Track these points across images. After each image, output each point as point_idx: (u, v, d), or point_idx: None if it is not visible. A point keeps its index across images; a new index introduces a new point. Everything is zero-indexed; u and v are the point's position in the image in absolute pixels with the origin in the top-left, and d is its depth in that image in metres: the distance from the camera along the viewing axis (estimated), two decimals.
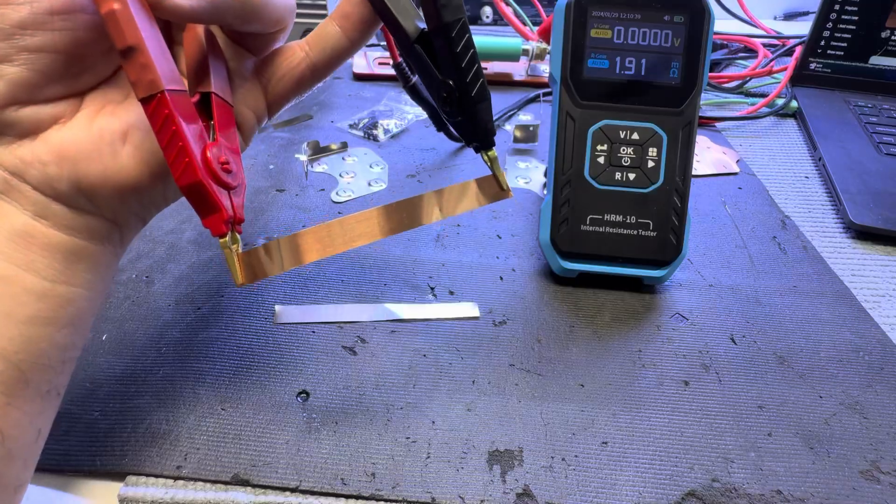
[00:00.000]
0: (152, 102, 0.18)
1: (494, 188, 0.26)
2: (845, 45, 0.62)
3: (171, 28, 0.24)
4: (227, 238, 0.20)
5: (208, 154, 0.19)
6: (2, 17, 0.17)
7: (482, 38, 0.62)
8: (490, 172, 0.26)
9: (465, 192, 0.25)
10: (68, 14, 0.17)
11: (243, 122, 0.24)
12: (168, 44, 0.22)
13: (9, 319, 0.18)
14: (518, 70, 0.65)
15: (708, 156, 0.51)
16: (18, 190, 0.19)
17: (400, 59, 0.44)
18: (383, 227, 0.24)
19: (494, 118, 0.55)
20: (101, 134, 0.19)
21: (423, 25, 0.24)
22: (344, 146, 0.49)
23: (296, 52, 0.24)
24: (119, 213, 0.21)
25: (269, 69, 0.24)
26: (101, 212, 0.21)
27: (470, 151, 0.51)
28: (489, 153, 0.25)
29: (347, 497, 0.25)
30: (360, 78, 0.63)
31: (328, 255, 0.23)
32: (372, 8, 0.24)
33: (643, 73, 0.34)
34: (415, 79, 0.44)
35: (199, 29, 0.23)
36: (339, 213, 0.42)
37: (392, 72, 0.62)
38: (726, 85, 0.64)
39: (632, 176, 0.34)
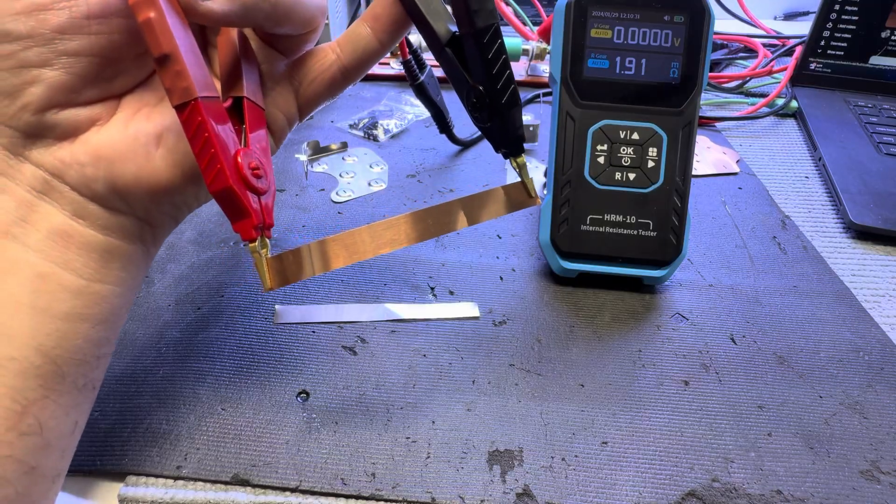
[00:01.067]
0: (186, 109, 0.18)
1: (522, 195, 0.26)
2: (845, 45, 0.62)
3: (205, 31, 0.24)
4: (256, 243, 0.21)
5: (239, 160, 0.20)
6: (42, 23, 0.17)
7: None
8: (515, 180, 0.26)
9: (491, 200, 0.25)
10: (104, 18, 0.18)
11: (274, 124, 0.24)
12: (202, 46, 0.22)
13: (46, 315, 0.19)
14: (518, 70, 0.65)
15: (708, 156, 0.51)
16: (58, 190, 0.19)
17: (409, 57, 0.43)
18: (409, 235, 0.24)
19: None
20: (136, 136, 0.20)
21: (454, 28, 0.24)
22: (344, 146, 0.49)
23: (327, 55, 0.24)
24: (152, 213, 0.22)
25: (301, 71, 0.24)
26: (135, 212, 0.21)
27: (470, 152, 0.51)
28: (518, 160, 0.25)
29: (347, 497, 0.25)
30: None
31: (354, 261, 0.23)
32: (403, 9, 0.24)
33: (643, 73, 0.34)
34: (422, 77, 0.44)
35: (233, 32, 0.24)
36: (339, 213, 0.42)
37: (392, 72, 0.62)
38: (726, 85, 0.64)
39: (632, 176, 0.34)
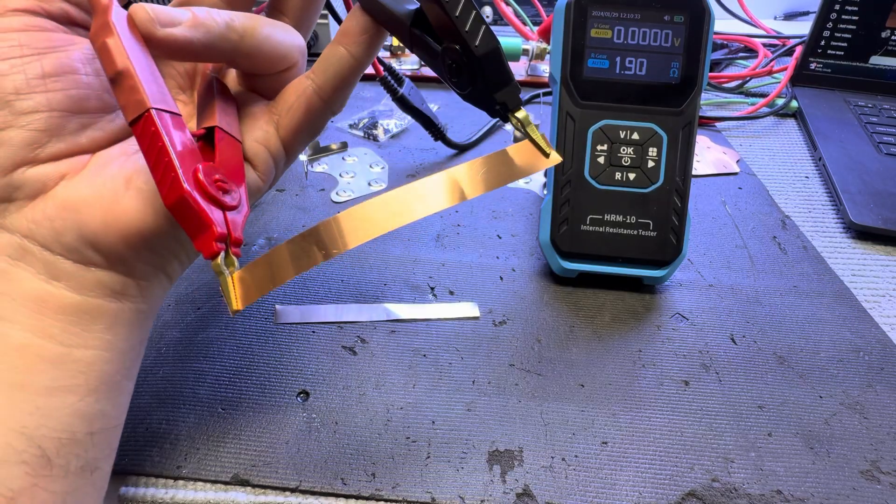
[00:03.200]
0: (139, 122, 0.18)
1: (533, 155, 0.21)
2: (845, 44, 0.62)
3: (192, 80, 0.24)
4: (219, 260, 0.18)
5: (199, 171, 0.18)
6: (1, 87, 0.17)
7: None
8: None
9: (496, 165, 0.21)
10: (59, 76, 0.18)
11: (255, 158, 0.23)
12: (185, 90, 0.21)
13: (25, 391, 0.18)
14: (518, 70, 0.65)
15: (708, 156, 0.51)
16: (31, 253, 0.19)
17: (384, 73, 0.44)
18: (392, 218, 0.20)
19: (495, 119, 0.55)
20: (103, 182, 0.19)
21: (414, 6, 0.22)
22: (344, 146, 0.49)
23: (302, 81, 0.23)
24: (131, 264, 0.20)
25: (279, 103, 0.24)
26: (112, 264, 0.20)
27: (470, 153, 0.51)
28: (517, 114, 0.21)
29: (347, 497, 0.25)
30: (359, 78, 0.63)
31: (327, 258, 0.20)
32: (368, 16, 0.23)
33: (643, 73, 0.34)
34: (402, 90, 0.45)
35: (208, 71, 0.23)
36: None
37: None
38: (726, 85, 0.64)
39: (632, 176, 0.34)
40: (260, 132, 0.23)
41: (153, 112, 0.18)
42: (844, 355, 0.32)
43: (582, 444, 0.27)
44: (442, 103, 0.58)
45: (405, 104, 0.45)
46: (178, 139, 0.18)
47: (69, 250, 0.19)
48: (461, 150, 0.51)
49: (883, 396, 0.30)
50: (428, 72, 0.63)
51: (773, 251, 0.40)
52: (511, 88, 0.21)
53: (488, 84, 0.21)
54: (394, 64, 0.64)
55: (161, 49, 0.19)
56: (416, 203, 0.20)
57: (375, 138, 0.51)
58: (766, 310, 0.35)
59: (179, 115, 0.19)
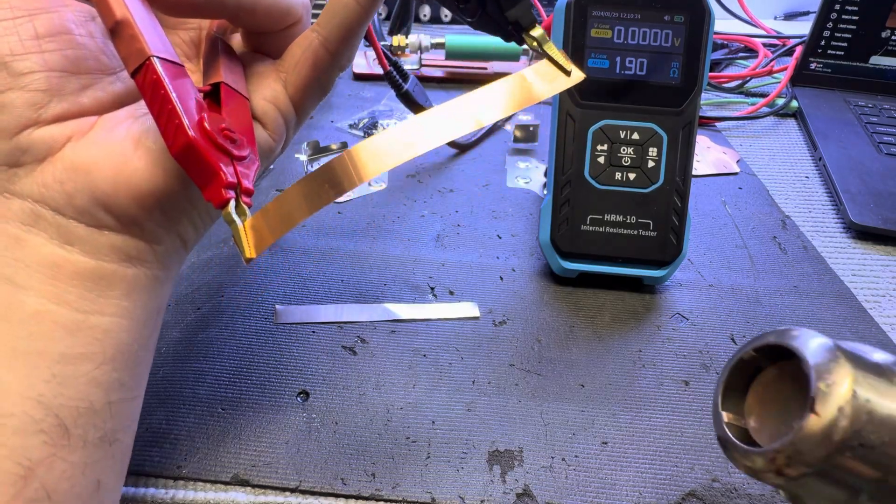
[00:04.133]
0: (141, 71, 0.18)
1: (553, 74, 0.20)
2: (846, 44, 0.62)
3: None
4: (230, 208, 0.18)
5: (204, 118, 0.18)
6: None
7: (483, 38, 0.62)
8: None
9: (514, 88, 0.20)
10: (53, 36, 0.18)
11: (265, 117, 0.23)
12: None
13: (41, 359, 0.18)
14: (518, 70, 0.65)
15: (708, 156, 0.51)
16: (44, 218, 0.18)
17: (389, 68, 0.44)
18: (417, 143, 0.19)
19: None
20: (112, 143, 0.19)
21: None
22: (344, 146, 0.49)
23: (307, 35, 0.23)
24: (145, 226, 0.20)
25: (286, 60, 0.23)
26: (125, 227, 0.20)
27: (470, 153, 0.51)
28: (533, 31, 0.20)
29: (347, 497, 0.25)
30: (359, 78, 0.63)
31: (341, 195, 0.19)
32: None
33: (643, 73, 0.34)
34: (406, 86, 0.45)
35: (212, 28, 0.23)
36: (339, 213, 0.42)
37: None
38: (726, 85, 0.64)
39: (632, 176, 0.34)
40: (268, 90, 0.23)
41: (154, 60, 0.17)
42: None
43: (582, 445, 0.27)
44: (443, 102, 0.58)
45: (409, 100, 0.45)
46: (182, 88, 0.18)
47: (81, 213, 0.19)
48: (461, 149, 0.51)
49: None
50: (428, 72, 0.63)
51: (773, 251, 0.40)
52: (524, 5, 0.20)
53: (499, 3, 0.19)
54: None
55: (162, 2, 0.19)
56: (430, 131, 0.19)
57: None
58: (767, 310, 0.35)
59: (182, 65, 0.19)
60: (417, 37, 0.64)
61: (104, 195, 0.19)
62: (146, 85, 0.18)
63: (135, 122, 0.20)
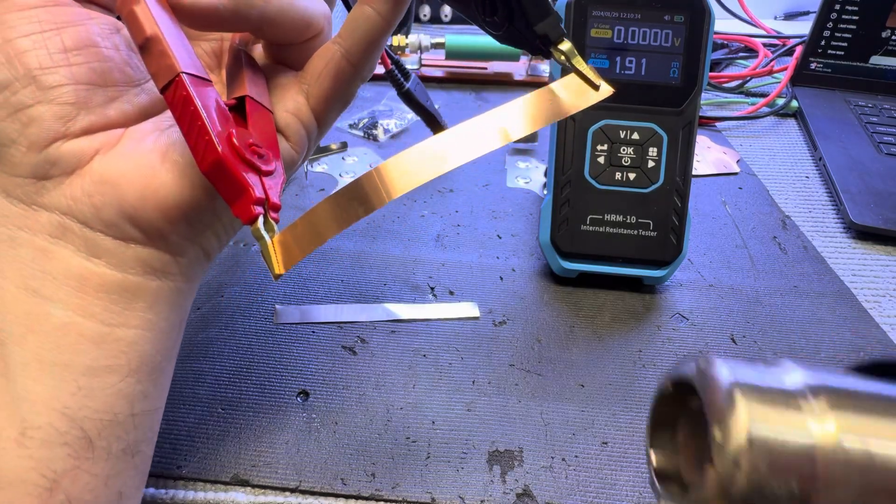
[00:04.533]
0: (171, 88, 0.18)
1: (581, 88, 0.20)
2: (846, 44, 0.62)
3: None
4: (258, 224, 0.18)
5: (232, 134, 0.18)
6: (23, 65, 0.18)
7: (482, 38, 0.62)
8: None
9: (542, 103, 0.20)
10: (80, 49, 0.18)
11: (287, 129, 0.23)
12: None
13: (68, 371, 0.18)
14: (518, 70, 0.65)
15: (708, 156, 0.51)
16: (71, 231, 0.19)
17: (391, 67, 0.44)
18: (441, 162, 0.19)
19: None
20: (139, 156, 0.19)
21: None
22: (344, 146, 0.49)
23: (329, 47, 0.23)
24: (170, 239, 0.20)
25: (307, 71, 0.23)
26: (151, 240, 0.20)
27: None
28: (561, 45, 0.20)
29: (347, 497, 0.25)
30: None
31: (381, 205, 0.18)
32: None
33: (643, 73, 0.34)
34: (408, 85, 0.44)
35: (235, 41, 0.23)
36: None
37: None
38: (726, 85, 0.64)
39: (632, 176, 0.34)
40: (291, 102, 0.23)
41: (184, 77, 0.18)
42: (845, 355, 0.32)
43: (582, 445, 0.27)
44: (443, 102, 0.58)
45: (410, 99, 0.45)
46: (210, 104, 0.18)
47: (108, 226, 0.19)
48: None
49: None
50: (428, 72, 0.63)
51: (773, 251, 0.40)
52: (552, 19, 0.19)
53: (527, 17, 0.19)
54: None
55: (188, 17, 0.19)
56: (459, 147, 0.19)
57: (375, 138, 0.51)
58: (767, 310, 0.35)
59: (210, 81, 0.19)
60: (417, 37, 0.64)
61: (132, 208, 0.19)
62: (176, 101, 0.18)
63: (161, 134, 0.20)
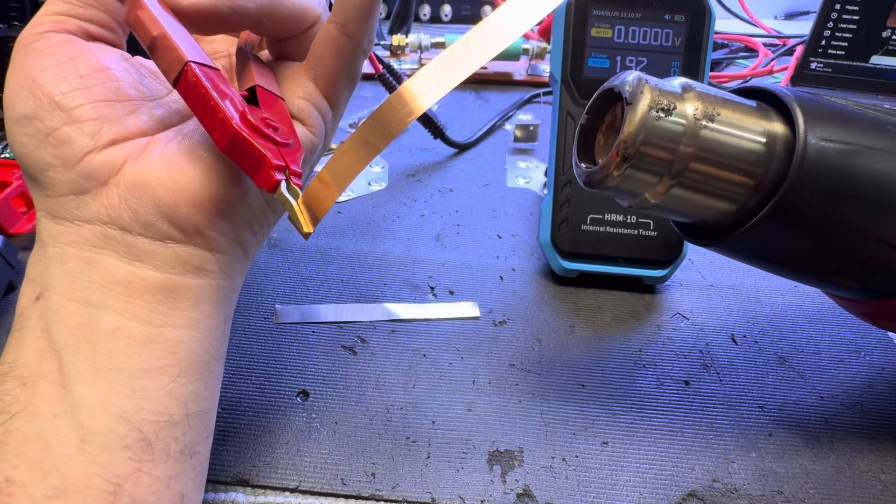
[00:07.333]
0: (182, 78, 0.19)
1: None
2: (846, 44, 0.62)
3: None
4: (282, 188, 0.19)
5: (245, 112, 0.19)
6: (46, 94, 0.19)
7: None
8: None
9: None
10: (93, 74, 0.20)
11: (301, 113, 0.23)
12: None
13: (122, 375, 0.18)
14: (518, 69, 0.65)
15: None
16: (113, 238, 0.19)
17: (382, 71, 0.44)
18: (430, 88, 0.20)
19: (495, 119, 0.55)
20: (167, 157, 0.20)
21: None
22: None
23: (325, 28, 0.23)
24: (208, 235, 0.21)
25: (310, 57, 0.24)
26: (188, 237, 0.20)
27: (470, 152, 0.51)
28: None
29: (347, 497, 0.24)
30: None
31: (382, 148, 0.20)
32: None
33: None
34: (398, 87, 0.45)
35: (239, 43, 0.24)
36: (339, 213, 0.42)
37: None
38: (727, 84, 0.64)
39: None
40: (300, 89, 0.24)
41: (192, 65, 0.18)
42: (845, 355, 0.32)
43: (582, 445, 0.27)
44: (441, 103, 0.58)
45: None
46: (220, 86, 0.19)
47: (147, 227, 0.20)
48: (461, 148, 0.51)
49: (884, 396, 0.30)
50: None
51: None
52: None
53: None
54: (393, 63, 0.64)
55: (189, 19, 0.20)
56: (475, 51, 0.19)
57: None
58: (767, 309, 0.35)
59: (218, 69, 0.20)
60: (417, 36, 0.64)
61: (166, 206, 0.20)
62: (188, 89, 0.19)
63: (184, 137, 0.21)
